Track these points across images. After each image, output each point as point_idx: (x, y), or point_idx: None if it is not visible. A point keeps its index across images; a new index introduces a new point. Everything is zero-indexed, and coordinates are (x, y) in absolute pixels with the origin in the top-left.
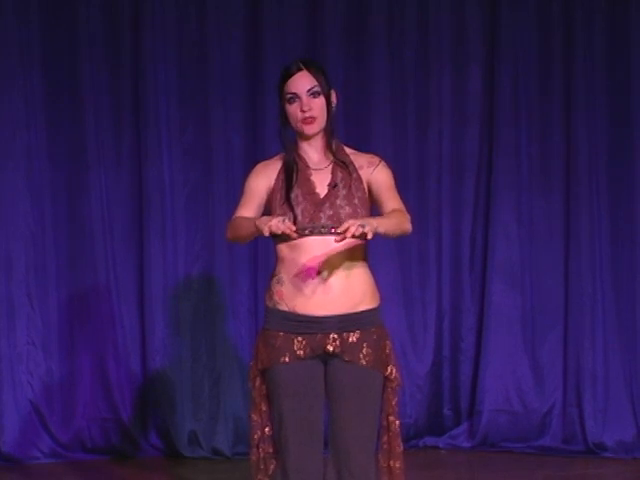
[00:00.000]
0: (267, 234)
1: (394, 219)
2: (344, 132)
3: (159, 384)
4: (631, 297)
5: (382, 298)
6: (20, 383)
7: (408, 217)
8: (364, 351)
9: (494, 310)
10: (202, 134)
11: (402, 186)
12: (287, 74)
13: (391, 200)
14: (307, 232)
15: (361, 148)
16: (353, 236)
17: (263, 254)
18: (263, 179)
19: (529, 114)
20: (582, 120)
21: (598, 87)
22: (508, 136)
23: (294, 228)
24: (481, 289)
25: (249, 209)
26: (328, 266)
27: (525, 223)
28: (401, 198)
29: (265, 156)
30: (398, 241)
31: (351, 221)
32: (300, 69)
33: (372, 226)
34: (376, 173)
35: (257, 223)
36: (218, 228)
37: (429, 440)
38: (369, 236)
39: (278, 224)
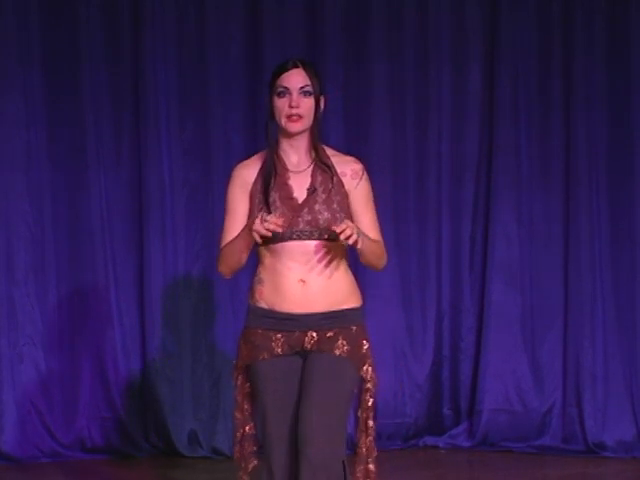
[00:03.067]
0: (260, 240)
1: (375, 248)
2: (344, 132)
3: (159, 384)
4: (631, 297)
5: (364, 299)
6: (20, 383)
7: (385, 256)
8: (339, 342)
9: (494, 310)
10: (202, 134)
11: (402, 186)
12: (282, 68)
13: (368, 221)
14: (295, 236)
15: (361, 148)
16: (345, 239)
17: None
18: (242, 188)
19: (529, 114)
20: (582, 120)
21: (598, 87)
22: (508, 136)
23: (280, 222)
24: (481, 289)
25: (235, 232)
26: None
27: (525, 223)
28: (376, 208)
29: None
30: (397, 241)
31: (350, 224)
32: (296, 66)
33: (360, 239)
34: (359, 187)
35: (249, 231)
36: (218, 228)
37: (429, 440)
38: (358, 245)
39: (260, 228)
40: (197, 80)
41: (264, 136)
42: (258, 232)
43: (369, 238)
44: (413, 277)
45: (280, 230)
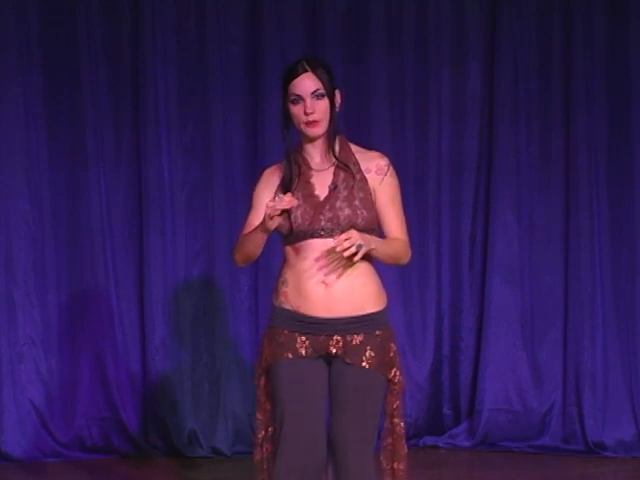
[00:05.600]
0: (271, 221)
1: (393, 250)
2: (344, 132)
3: (159, 383)
4: (630, 296)
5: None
6: (20, 383)
7: (409, 252)
8: (367, 354)
9: (494, 309)
10: (202, 133)
11: (402, 186)
12: (292, 74)
13: (393, 219)
14: (316, 234)
15: None
16: (342, 251)
17: (263, 254)
18: (268, 191)
19: (529, 113)
20: (582, 120)
21: (598, 87)
22: (508, 135)
23: (289, 199)
24: (481, 288)
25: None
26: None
27: (525, 222)
28: (403, 205)
29: (265, 155)
30: None
31: (353, 235)
32: (305, 70)
33: (368, 247)
34: (384, 184)
35: (261, 222)
36: (218, 228)
37: (429, 439)
38: (356, 258)
39: (274, 205)
40: (197, 80)
41: (283, 143)
42: (270, 212)
43: (385, 243)
44: (413, 277)
45: (289, 206)
